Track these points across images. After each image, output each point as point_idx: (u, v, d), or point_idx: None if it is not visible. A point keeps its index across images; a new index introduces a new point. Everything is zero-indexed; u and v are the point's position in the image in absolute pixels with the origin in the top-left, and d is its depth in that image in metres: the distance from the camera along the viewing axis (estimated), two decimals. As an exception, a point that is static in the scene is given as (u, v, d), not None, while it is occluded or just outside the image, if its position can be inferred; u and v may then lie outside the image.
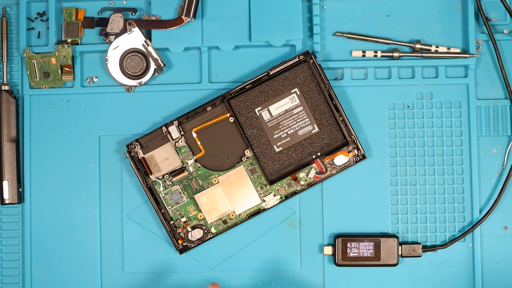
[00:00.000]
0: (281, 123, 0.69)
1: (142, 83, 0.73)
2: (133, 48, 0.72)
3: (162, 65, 0.72)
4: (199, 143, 0.71)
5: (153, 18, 0.72)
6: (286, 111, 0.69)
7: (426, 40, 0.73)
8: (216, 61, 0.74)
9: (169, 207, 0.71)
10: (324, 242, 0.72)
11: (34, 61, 0.73)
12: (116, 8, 0.74)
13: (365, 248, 0.71)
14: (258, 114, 0.69)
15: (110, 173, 0.73)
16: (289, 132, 0.69)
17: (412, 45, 0.73)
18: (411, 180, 0.72)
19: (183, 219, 0.71)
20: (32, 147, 0.74)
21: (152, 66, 0.72)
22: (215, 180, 0.71)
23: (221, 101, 0.70)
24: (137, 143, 0.70)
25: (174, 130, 0.70)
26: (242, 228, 0.72)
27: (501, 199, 0.71)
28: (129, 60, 0.72)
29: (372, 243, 0.70)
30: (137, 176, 0.70)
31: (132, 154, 0.70)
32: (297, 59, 0.69)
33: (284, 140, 0.69)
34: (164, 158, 0.71)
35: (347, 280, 0.72)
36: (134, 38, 0.72)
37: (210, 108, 0.70)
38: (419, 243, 0.71)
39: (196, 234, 0.71)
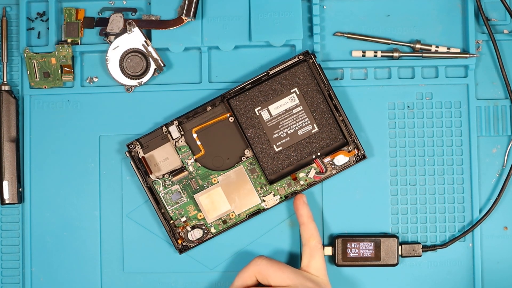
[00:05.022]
0: (280, 123, 0.69)
1: (142, 83, 0.73)
2: (133, 48, 0.72)
3: (162, 65, 0.72)
4: (199, 143, 0.71)
5: (153, 18, 0.72)
6: (285, 111, 0.69)
7: (426, 40, 0.73)
8: (216, 61, 0.74)
9: (169, 207, 0.71)
10: (324, 242, 0.72)
11: (34, 61, 0.73)
12: (116, 8, 0.74)
13: (365, 248, 0.71)
14: (257, 114, 0.69)
15: (110, 173, 0.73)
16: (288, 132, 0.69)
17: (412, 45, 0.73)
18: (411, 180, 0.72)
19: (183, 219, 0.71)
20: (32, 147, 0.74)
21: (152, 66, 0.72)
22: (215, 180, 0.71)
23: (221, 101, 0.70)
24: (137, 143, 0.71)
25: (174, 130, 0.70)
26: (242, 228, 0.72)
27: (501, 199, 0.71)
28: (129, 60, 0.72)
29: (372, 243, 0.70)
30: (137, 176, 0.70)
31: (132, 153, 0.70)
32: (297, 59, 0.70)
33: (284, 140, 0.69)
34: (164, 158, 0.71)
35: (347, 280, 0.72)
36: (134, 38, 0.72)
37: (210, 108, 0.71)
38: (419, 243, 0.71)
39: (196, 234, 0.71)
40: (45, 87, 0.74)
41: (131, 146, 0.70)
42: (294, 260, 0.72)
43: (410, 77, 0.73)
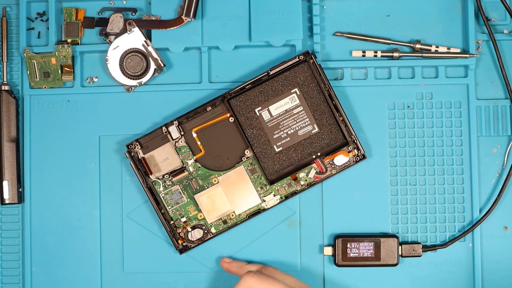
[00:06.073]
0: (281, 123, 0.69)
1: (142, 83, 0.73)
2: (133, 48, 0.72)
3: (162, 65, 0.72)
4: (199, 143, 0.71)
5: (153, 18, 0.72)
6: (286, 111, 0.69)
7: (426, 40, 0.73)
8: (216, 61, 0.74)
9: (169, 207, 0.71)
10: (324, 242, 0.72)
11: (34, 61, 0.73)
12: (116, 8, 0.74)
13: (365, 248, 0.71)
14: (258, 114, 0.69)
15: (110, 173, 0.73)
16: (289, 132, 0.69)
17: (412, 45, 0.73)
18: (411, 180, 0.72)
19: (183, 219, 0.71)
20: (32, 147, 0.74)
21: (152, 66, 0.72)
22: (215, 180, 0.71)
23: (221, 101, 0.70)
24: (137, 143, 0.71)
25: (174, 130, 0.70)
26: (242, 228, 0.72)
27: (501, 199, 0.71)
28: (129, 60, 0.72)
29: (372, 243, 0.70)
30: (137, 176, 0.70)
31: (132, 154, 0.70)
32: (297, 59, 0.70)
33: (284, 140, 0.69)
34: (164, 158, 0.71)
35: (347, 281, 0.72)
36: (134, 38, 0.72)
37: (210, 108, 0.71)
38: (419, 243, 0.71)
39: (196, 234, 0.71)
40: (45, 87, 0.73)
41: (130, 146, 0.70)
42: (293, 261, 0.72)
43: (410, 77, 0.73)
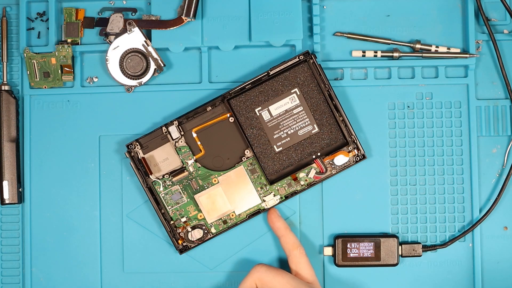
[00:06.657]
0: (281, 123, 0.69)
1: (142, 83, 0.73)
2: (133, 48, 0.72)
3: (162, 65, 0.72)
4: (199, 143, 0.71)
5: (153, 18, 0.72)
6: (286, 111, 0.69)
7: (426, 40, 0.73)
8: (216, 61, 0.74)
9: (169, 207, 0.71)
10: (324, 242, 0.72)
11: (34, 61, 0.73)
12: (116, 8, 0.74)
13: (365, 248, 0.71)
14: (258, 114, 0.69)
15: (110, 173, 0.73)
16: (289, 132, 0.69)
17: (412, 45, 0.73)
18: (411, 180, 0.72)
19: (183, 219, 0.71)
20: (32, 147, 0.74)
21: (152, 66, 0.72)
22: (215, 180, 0.71)
23: (221, 101, 0.70)
24: (137, 143, 0.70)
25: (174, 130, 0.70)
26: (242, 228, 0.72)
27: (501, 199, 0.71)
28: (129, 60, 0.72)
29: (372, 243, 0.70)
30: (137, 176, 0.70)
31: (132, 154, 0.70)
32: (297, 59, 0.69)
33: (284, 140, 0.69)
34: (164, 158, 0.71)
35: (347, 281, 0.72)
36: (134, 38, 0.72)
37: (210, 108, 0.71)
38: (419, 243, 0.71)
39: (196, 234, 0.71)
40: (45, 87, 0.73)
41: (130, 146, 0.70)
42: (294, 260, 0.72)
43: (410, 77, 0.73)
